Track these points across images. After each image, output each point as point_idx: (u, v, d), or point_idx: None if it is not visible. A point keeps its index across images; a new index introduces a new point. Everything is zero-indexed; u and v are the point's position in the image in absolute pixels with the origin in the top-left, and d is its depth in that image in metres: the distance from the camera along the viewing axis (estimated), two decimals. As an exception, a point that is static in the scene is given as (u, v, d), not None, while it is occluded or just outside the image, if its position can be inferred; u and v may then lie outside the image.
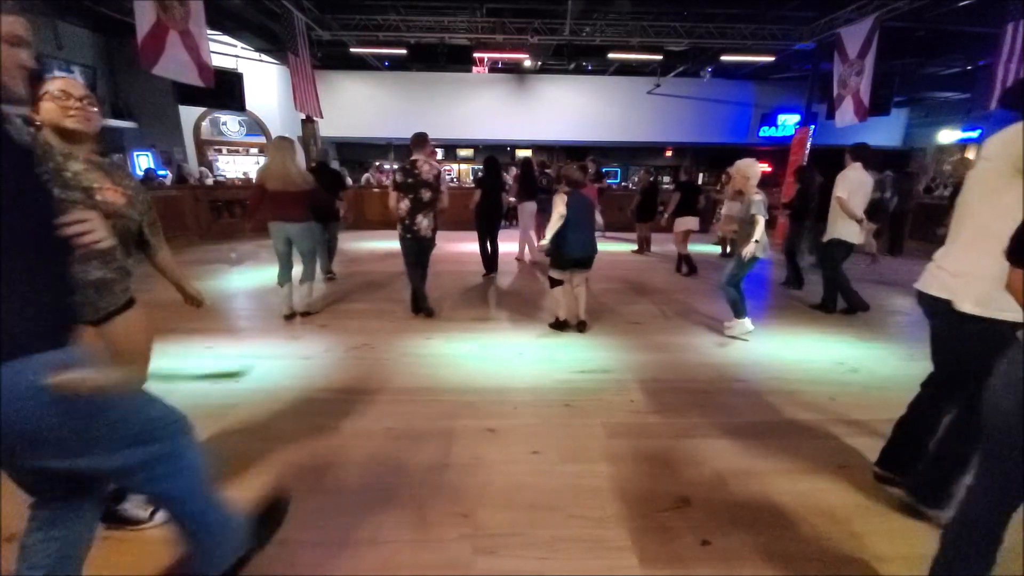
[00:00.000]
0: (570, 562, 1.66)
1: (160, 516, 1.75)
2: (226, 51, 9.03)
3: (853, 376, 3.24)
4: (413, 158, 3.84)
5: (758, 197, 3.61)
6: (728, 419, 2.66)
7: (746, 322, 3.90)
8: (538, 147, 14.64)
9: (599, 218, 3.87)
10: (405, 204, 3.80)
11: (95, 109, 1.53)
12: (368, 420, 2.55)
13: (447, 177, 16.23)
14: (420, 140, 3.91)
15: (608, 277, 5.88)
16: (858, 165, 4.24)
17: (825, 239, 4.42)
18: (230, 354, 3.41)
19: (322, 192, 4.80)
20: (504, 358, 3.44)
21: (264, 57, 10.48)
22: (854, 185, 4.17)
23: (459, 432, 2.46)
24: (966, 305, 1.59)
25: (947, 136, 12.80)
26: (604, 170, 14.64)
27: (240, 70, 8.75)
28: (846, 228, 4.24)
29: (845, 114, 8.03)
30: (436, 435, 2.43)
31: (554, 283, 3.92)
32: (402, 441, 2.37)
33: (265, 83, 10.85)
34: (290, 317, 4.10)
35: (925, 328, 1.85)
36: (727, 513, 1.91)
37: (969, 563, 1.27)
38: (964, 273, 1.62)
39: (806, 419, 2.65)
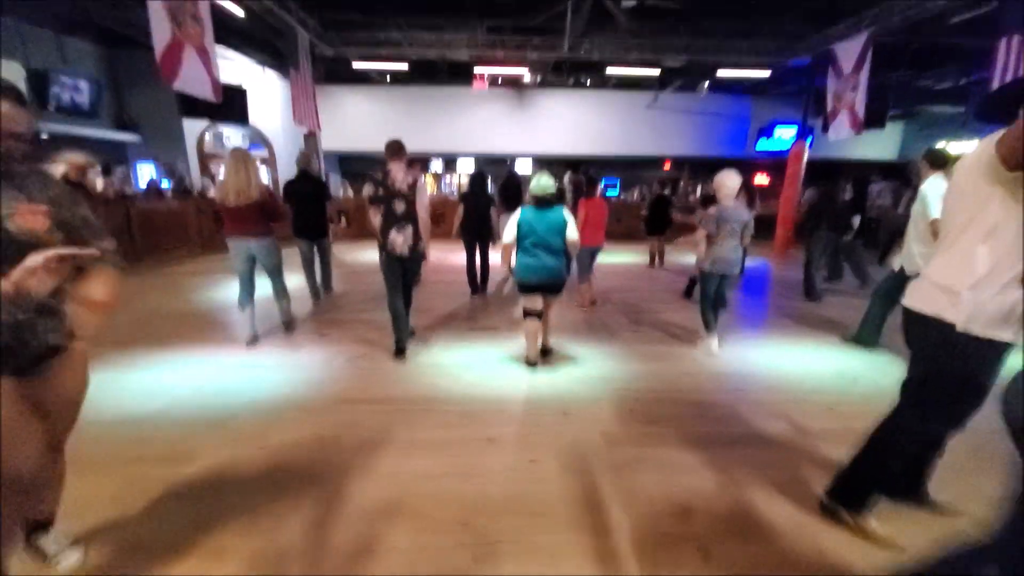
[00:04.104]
0: (570, 570, 1.65)
1: (67, 564, 1.62)
2: (231, 65, 9.18)
3: (853, 386, 3.23)
4: (387, 168, 3.45)
5: (711, 211, 3.60)
6: (727, 428, 2.65)
7: (710, 340, 3.81)
8: (538, 160, 14.76)
9: (572, 234, 3.22)
10: (379, 219, 3.39)
11: None
12: (368, 430, 2.55)
13: (447, 188, 15.88)
14: (394, 148, 3.45)
15: (610, 288, 5.89)
16: (939, 176, 3.30)
17: (908, 269, 3.41)
18: (230, 364, 3.41)
19: (301, 202, 4.69)
20: (503, 367, 3.44)
21: (268, 71, 10.64)
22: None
23: (458, 441, 2.46)
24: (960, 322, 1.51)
25: (946, 148, 12.94)
26: (606, 181, 14.70)
27: (244, 84, 8.89)
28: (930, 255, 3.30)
29: (840, 127, 8.12)
30: (435, 444, 2.42)
31: (525, 313, 3.39)
32: (402, 450, 2.36)
33: (268, 96, 11.00)
34: (253, 342, 3.81)
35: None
36: (726, 522, 1.90)
37: None
38: (954, 287, 1.54)
39: (806, 429, 2.65)
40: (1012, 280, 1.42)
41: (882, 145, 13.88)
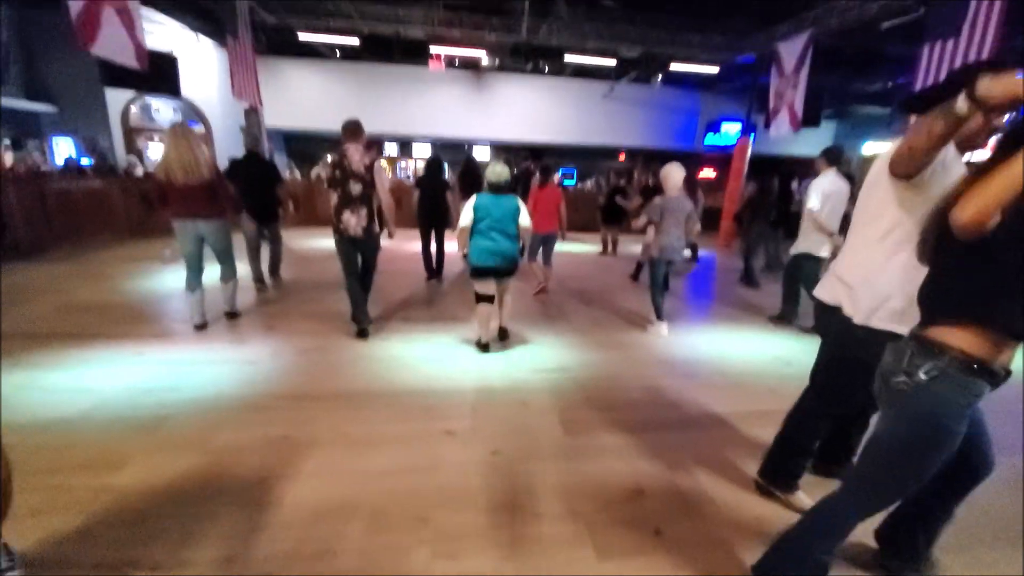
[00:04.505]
0: (530, 560, 1.68)
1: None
2: (162, 31, 8.39)
3: (788, 369, 3.47)
4: (343, 149, 3.41)
5: (657, 200, 3.87)
6: (677, 412, 2.78)
7: (660, 326, 4.08)
8: (495, 146, 14.62)
9: (524, 220, 3.35)
10: (334, 200, 3.39)
11: None
12: (321, 427, 2.46)
13: (402, 173, 15.42)
14: (351, 129, 3.46)
15: (568, 277, 5.97)
16: (832, 171, 3.75)
17: (793, 252, 4.07)
18: (165, 360, 3.18)
19: (249, 184, 4.45)
20: (461, 359, 3.42)
21: (203, 39, 9.80)
22: (829, 195, 3.67)
23: (417, 435, 2.42)
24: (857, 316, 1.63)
25: (871, 147, 14.01)
26: (564, 171, 14.84)
27: (176, 52, 8.15)
28: (817, 241, 3.83)
29: (781, 124, 8.55)
30: (393, 440, 2.38)
31: (477, 298, 3.48)
32: (358, 447, 2.30)
33: (203, 67, 10.15)
34: (202, 327, 3.69)
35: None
36: (676, 502, 2.00)
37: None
38: (856, 281, 1.66)
39: (750, 409, 2.82)
40: (905, 281, 1.50)
41: (816, 142, 14.75)
